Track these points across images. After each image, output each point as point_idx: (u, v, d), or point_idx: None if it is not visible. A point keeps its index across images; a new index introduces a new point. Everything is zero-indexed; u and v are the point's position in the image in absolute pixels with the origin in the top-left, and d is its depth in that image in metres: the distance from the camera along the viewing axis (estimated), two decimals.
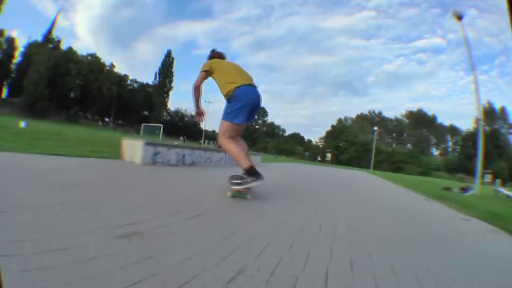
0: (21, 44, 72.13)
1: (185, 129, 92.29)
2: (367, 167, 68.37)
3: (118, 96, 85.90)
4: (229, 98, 3.76)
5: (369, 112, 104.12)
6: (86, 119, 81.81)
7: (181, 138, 59.00)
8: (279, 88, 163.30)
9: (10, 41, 69.32)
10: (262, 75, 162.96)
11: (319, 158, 76.90)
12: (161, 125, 53.96)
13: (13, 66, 69.04)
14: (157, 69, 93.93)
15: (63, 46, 77.36)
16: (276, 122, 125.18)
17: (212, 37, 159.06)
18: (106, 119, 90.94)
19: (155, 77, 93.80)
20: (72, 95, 77.14)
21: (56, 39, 74.60)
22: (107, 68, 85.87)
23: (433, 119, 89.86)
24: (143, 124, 61.17)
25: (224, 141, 3.77)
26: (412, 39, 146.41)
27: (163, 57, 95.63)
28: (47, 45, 69.74)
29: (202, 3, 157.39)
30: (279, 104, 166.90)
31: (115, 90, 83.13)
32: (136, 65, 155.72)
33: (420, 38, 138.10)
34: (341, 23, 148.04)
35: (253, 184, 3.64)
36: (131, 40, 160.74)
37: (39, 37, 70.79)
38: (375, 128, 65.20)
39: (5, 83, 70.45)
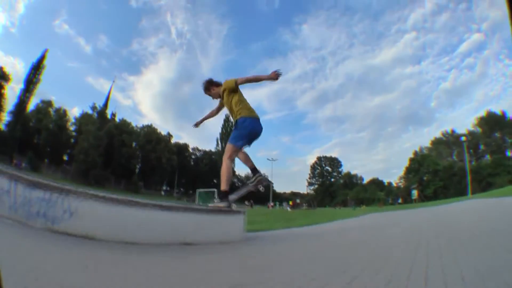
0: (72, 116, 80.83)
1: (256, 194, 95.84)
2: (457, 194, 61.72)
3: (180, 165, 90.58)
4: (246, 124, 4.96)
5: (442, 133, 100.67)
6: (147, 189, 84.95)
7: (246, 202, 56.55)
8: (351, 138, 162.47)
9: (61, 113, 77.97)
10: (332, 130, 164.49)
11: (399, 201, 72.90)
12: (215, 189, 53.79)
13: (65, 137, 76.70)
14: (218, 136, 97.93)
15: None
16: (353, 172, 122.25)
17: (275, 100, 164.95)
18: (167, 188, 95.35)
19: (217, 144, 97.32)
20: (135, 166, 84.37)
21: (109, 112, 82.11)
22: (165, 138, 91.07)
23: (502, 116, 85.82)
24: (198, 190, 62.26)
25: (228, 161, 4.98)
26: (455, 46, 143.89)
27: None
28: (94, 116, 77.53)
29: (257, 68, 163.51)
30: (354, 155, 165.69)
31: (176, 160, 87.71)
32: (206, 137, 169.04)
33: (461, 42, 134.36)
34: (390, 54, 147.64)
35: (219, 205, 4.79)
36: (198, 113, 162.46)
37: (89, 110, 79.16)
38: (462, 138, 61.42)
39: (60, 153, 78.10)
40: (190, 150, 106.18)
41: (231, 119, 5.31)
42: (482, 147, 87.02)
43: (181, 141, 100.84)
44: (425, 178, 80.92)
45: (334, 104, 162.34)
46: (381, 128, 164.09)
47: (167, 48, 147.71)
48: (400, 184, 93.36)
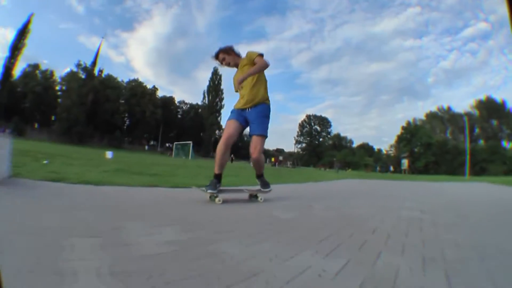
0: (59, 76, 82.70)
1: (239, 148, 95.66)
2: (447, 173, 64.45)
3: (166, 119, 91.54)
4: (263, 109, 4.47)
5: (438, 108, 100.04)
6: (130, 144, 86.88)
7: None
8: (345, 101, 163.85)
9: (47, 74, 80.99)
10: (326, 91, 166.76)
11: (391, 168, 70.36)
12: (190, 142, 54.98)
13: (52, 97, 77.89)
14: (205, 88, 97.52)
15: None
16: (343, 135, 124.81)
17: (271, 57, 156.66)
18: (154, 143, 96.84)
19: (204, 97, 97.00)
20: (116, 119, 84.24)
21: (97, 69, 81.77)
22: (150, 91, 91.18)
23: (502, 105, 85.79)
24: (175, 143, 65.16)
25: (262, 155, 4.74)
26: (459, 29, 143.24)
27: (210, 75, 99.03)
28: (78, 74, 77.55)
29: (254, 24, 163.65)
30: (346, 118, 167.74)
31: (160, 113, 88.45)
32: (199, 92, 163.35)
33: (466, 26, 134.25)
34: (392, 25, 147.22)
35: (264, 190, 4.81)
36: (191, 69, 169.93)
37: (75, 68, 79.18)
38: (465, 117, 61.66)
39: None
40: (177, 104, 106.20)
41: (220, 71, 4.46)
42: (477, 130, 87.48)
43: (175, 96, 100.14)
44: (416, 150, 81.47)
45: (329, 66, 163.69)
46: (375, 95, 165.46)
47: (162, 3, 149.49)
48: (390, 152, 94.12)
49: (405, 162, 58.79)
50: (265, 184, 4.86)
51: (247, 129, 4.57)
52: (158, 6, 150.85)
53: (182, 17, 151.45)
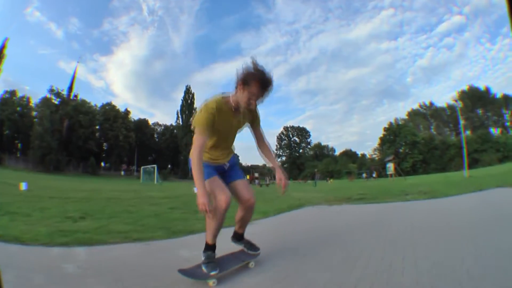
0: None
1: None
2: (438, 170, 64.40)
3: (140, 142, 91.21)
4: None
5: (420, 105, 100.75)
6: (106, 170, 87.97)
7: None
8: (325, 110, 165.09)
9: (24, 101, 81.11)
10: (305, 102, 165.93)
11: (374, 175, 65.88)
12: (155, 165, 55.28)
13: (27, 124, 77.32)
14: (178, 108, 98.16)
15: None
16: (324, 143, 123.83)
17: None
18: (132, 167, 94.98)
19: (177, 117, 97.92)
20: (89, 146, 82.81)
21: (72, 95, 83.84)
22: (122, 115, 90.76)
23: (486, 92, 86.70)
24: (142, 167, 64.39)
25: None
26: (434, 25, 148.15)
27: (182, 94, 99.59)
28: (51, 100, 78.41)
29: (229, 43, 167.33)
30: (327, 127, 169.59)
31: (133, 137, 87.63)
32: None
33: (440, 22, 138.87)
34: (366, 30, 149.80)
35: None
36: (170, 90, 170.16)
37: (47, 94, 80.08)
38: (457, 106, 61.94)
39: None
40: (151, 126, 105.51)
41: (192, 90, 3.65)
42: (462, 122, 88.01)
43: (152, 118, 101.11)
44: (401, 150, 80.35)
45: (307, 77, 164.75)
46: (355, 101, 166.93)
47: (138, 26, 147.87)
48: (374, 156, 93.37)
49: (390, 166, 56.07)
50: (253, 246, 3.93)
51: None
52: (134, 28, 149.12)
53: (158, 38, 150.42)
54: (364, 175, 70.14)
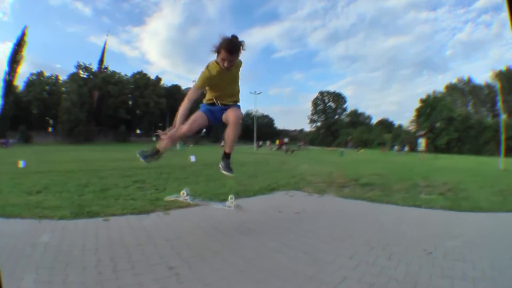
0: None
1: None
2: (472, 151, 60.38)
3: (171, 108, 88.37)
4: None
5: (458, 79, 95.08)
6: (136, 136, 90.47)
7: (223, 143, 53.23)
8: (364, 77, 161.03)
9: (52, 80, 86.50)
10: (345, 68, 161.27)
11: (405, 148, 57.69)
12: None
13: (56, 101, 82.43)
14: None
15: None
16: (368, 112, 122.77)
17: (287, 38, 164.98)
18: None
19: None
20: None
21: (102, 67, 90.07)
22: (153, 82, 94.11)
23: None
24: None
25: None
26: (472, 0, 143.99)
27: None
28: (79, 75, 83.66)
29: (266, 7, 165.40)
30: (367, 94, 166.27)
31: (164, 103, 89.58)
32: None
33: None
34: None
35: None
36: (208, 55, 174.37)
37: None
38: (497, 84, 56.74)
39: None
40: (183, 91, 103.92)
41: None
42: (500, 103, 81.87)
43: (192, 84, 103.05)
44: (437, 125, 75.28)
45: (346, 43, 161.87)
46: (394, 70, 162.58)
47: None
48: (410, 128, 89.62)
49: (422, 142, 53.09)
50: (229, 167, 4.61)
51: None
52: None
53: (191, 6, 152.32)
54: (396, 148, 65.39)
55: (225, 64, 4.02)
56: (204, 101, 4.66)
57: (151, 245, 3.92)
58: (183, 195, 5.01)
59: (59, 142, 69.03)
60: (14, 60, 77.55)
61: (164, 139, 4.29)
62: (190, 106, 4.29)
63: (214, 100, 4.51)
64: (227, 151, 4.59)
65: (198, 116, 4.45)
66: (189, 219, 5.28)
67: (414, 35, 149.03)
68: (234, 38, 4.00)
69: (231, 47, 3.92)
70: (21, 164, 15.04)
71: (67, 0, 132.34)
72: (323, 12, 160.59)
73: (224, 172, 4.54)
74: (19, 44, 78.43)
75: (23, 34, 79.24)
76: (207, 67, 4.23)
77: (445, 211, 6.32)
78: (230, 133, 4.43)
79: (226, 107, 4.49)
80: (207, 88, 4.48)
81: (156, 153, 4.49)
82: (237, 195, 6.61)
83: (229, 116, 4.31)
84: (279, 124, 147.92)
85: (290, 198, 7.63)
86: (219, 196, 6.70)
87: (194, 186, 8.27)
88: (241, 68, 4.48)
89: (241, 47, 4.02)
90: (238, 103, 4.67)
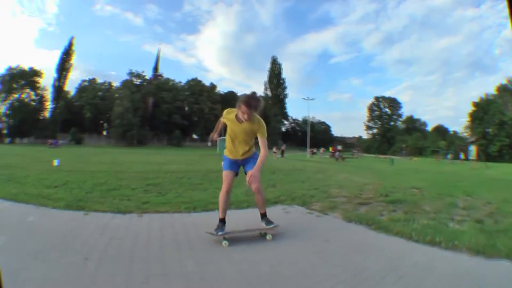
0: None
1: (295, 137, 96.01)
2: None
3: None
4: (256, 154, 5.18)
5: (508, 80, 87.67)
6: (192, 141, 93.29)
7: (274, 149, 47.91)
8: (420, 81, 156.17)
9: (106, 86, 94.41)
10: (401, 72, 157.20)
11: (460, 156, 52.20)
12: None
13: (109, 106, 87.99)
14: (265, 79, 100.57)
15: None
16: (425, 118, 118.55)
17: (342, 42, 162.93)
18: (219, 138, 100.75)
19: (265, 88, 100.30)
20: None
21: (157, 74, 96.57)
22: (208, 88, 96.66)
23: None
24: (219, 138, 66.29)
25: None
26: None
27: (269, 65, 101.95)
28: (132, 82, 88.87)
29: (318, 12, 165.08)
30: (424, 99, 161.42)
31: (219, 108, 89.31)
32: None
33: None
34: None
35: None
36: (265, 61, 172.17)
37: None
38: None
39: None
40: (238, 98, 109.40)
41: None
42: None
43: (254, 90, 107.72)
44: (490, 130, 71.17)
45: (400, 46, 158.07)
46: (448, 73, 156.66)
47: (221, 3, 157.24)
48: (465, 134, 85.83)
49: (472, 150, 49.09)
50: (269, 221, 5.05)
51: None
52: (219, 6, 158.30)
53: (245, 13, 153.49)
54: (449, 156, 60.37)
55: (244, 116, 4.62)
56: (224, 152, 5.28)
57: (92, 239, 4.49)
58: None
59: (111, 145, 73.27)
60: (63, 68, 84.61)
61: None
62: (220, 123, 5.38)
63: (228, 152, 5.16)
64: (261, 211, 5.11)
65: (225, 175, 5.02)
66: (149, 224, 5.49)
67: (463, 34, 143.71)
68: (253, 93, 4.79)
69: (249, 102, 4.55)
70: (55, 162, 16.31)
71: (116, 11, 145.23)
72: (374, 14, 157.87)
73: (268, 227, 4.97)
74: (67, 53, 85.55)
75: (70, 44, 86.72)
76: (225, 111, 5.17)
77: (470, 257, 4.24)
78: (257, 199, 5.06)
79: (242, 162, 5.13)
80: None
81: (220, 221, 4.87)
82: (231, 205, 6.05)
83: (251, 186, 4.79)
84: (337, 131, 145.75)
85: (280, 216, 6.21)
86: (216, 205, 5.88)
87: (200, 193, 8.58)
88: (261, 129, 4.90)
89: (258, 102, 4.66)
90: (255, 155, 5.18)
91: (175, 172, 14.54)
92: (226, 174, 5.03)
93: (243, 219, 5.49)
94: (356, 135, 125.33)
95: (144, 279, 3.21)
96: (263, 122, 4.96)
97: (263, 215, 5.09)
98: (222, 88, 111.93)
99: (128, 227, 5.19)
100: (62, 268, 3.46)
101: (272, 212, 5.89)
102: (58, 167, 15.32)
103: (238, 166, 5.16)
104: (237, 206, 6.82)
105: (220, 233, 4.64)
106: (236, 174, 5.15)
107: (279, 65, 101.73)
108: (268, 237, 4.78)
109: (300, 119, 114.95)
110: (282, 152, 43.96)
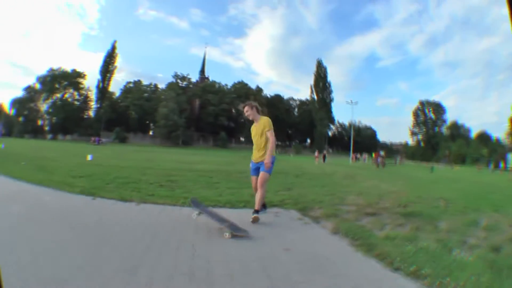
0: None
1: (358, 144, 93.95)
2: None
3: (273, 116, 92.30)
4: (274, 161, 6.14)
5: None
6: (238, 143, 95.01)
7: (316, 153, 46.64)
8: (465, 85, 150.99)
9: (151, 87, 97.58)
10: (446, 75, 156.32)
11: (501, 165, 51.71)
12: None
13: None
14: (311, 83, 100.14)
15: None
16: (470, 124, 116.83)
17: (388, 45, 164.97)
18: None
19: (311, 91, 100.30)
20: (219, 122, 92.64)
21: (205, 77, 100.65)
22: (254, 91, 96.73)
23: None
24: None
25: (265, 187, 6.09)
26: None
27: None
28: (177, 84, 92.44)
29: (362, 13, 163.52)
30: (468, 104, 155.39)
31: (266, 112, 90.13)
32: None
33: None
34: None
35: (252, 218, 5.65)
36: (313, 65, 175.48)
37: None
38: None
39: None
40: (285, 100, 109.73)
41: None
42: None
43: (299, 94, 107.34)
44: None
45: (444, 48, 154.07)
46: (491, 75, 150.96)
47: (266, 7, 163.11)
48: (506, 141, 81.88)
49: (510, 159, 46.33)
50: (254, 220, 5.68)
51: None
52: (263, 10, 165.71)
53: (290, 16, 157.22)
54: (491, 165, 55.65)
55: (249, 117, 6.27)
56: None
57: (84, 216, 5.51)
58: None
59: (156, 145, 75.54)
60: (107, 70, 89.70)
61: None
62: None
63: (251, 157, 6.29)
64: (255, 207, 5.86)
65: (251, 179, 6.33)
66: (139, 212, 6.04)
67: (502, 34, 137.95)
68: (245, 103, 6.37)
69: (245, 105, 6.31)
70: (89, 157, 17.50)
71: (160, 15, 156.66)
72: (417, 15, 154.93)
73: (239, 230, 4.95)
74: (110, 56, 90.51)
75: (113, 48, 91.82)
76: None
77: None
78: (256, 195, 5.98)
79: (258, 164, 6.12)
80: None
81: (264, 206, 6.25)
82: (229, 204, 7.08)
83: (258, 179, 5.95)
84: (384, 137, 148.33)
85: (266, 219, 6.03)
86: (218, 202, 7.27)
87: (209, 191, 8.94)
88: (266, 124, 6.06)
89: (252, 104, 6.26)
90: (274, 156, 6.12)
91: (200, 171, 15.00)
92: (251, 179, 6.30)
93: (231, 217, 5.46)
94: (403, 141, 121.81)
95: (95, 248, 3.91)
96: (267, 118, 6.15)
97: (255, 211, 5.74)
98: (270, 91, 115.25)
99: (120, 212, 5.91)
100: (50, 229, 4.62)
101: (261, 215, 5.93)
102: (91, 162, 16.40)
103: (258, 170, 6.06)
104: (233, 205, 7.10)
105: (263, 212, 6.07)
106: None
107: (325, 68, 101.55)
108: (226, 235, 4.74)
109: (347, 123, 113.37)
110: (324, 157, 42.77)
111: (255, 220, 5.56)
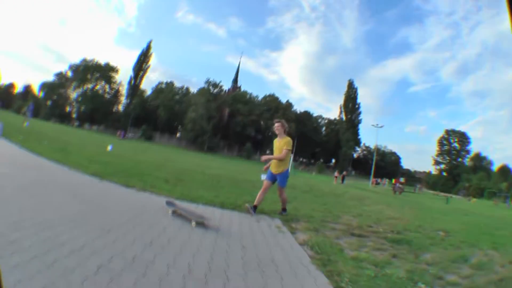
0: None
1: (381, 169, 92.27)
2: None
3: (300, 133, 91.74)
4: (288, 174, 7.52)
5: None
6: (262, 155, 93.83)
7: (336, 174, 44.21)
8: (493, 116, 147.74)
9: (183, 91, 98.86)
10: (476, 105, 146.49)
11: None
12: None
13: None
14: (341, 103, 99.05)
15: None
16: (494, 157, 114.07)
17: (420, 70, 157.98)
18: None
19: (340, 111, 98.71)
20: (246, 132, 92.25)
21: (237, 86, 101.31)
22: (283, 106, 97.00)
23: None
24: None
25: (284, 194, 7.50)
26: None
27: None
28: (208, 90, 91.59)
29: (397, 37, 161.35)
30: (494, 136, 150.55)
31: (293, 127, 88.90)
32: None
33: None
34: None
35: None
36: (344, 84, 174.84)
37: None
38: None
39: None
40: (314, 118, 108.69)
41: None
42: None
43: (329, 113, 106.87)
44: None
45: (474, 76, 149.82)
46: None
47: (303, 22, 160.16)
48: None
49: None
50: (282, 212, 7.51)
51: None
52: (301, 25, 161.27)
53: (326, 34, 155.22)
54: (509, 200, 53.04)
55: (276, 131, 7.44)
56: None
57: (89, 192, 6.56)
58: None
59: (181, 147, 76.39)
60: (140, 68, 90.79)
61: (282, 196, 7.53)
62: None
63: (270, 166, 7.43)
64: (281, 207, 7.60)
65: (264, 182, 7.39)
66: (136, 197, 6.95)
67: None
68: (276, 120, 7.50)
69: (279, 121, 7.44)
70: (109, 148, 18.60)
71: (199, 21, 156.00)
72: (450, 41, 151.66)
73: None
74: (144, 55, 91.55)
75: (148, 47, 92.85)
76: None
77: None
78: (280, 199, 7.60)
79: (276, 176, 7.27)
80: None
81: (253, 207, 7.09)
82: (220, 205, 7.39)
83: (278, 191, 7.48)
84: (408, 164, 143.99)
85: (246, 223, 6.20)
86: (206, 200, 7.85)
87: (207, 192, 9.12)
88: (287, 145, 7.11)
89: (281, 123, 7.34)
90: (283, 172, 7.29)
91: (210, 175, 15.34)
92: (265, 182, 7.34)
93: (216, 215, 6.16)
94: (426, 170, 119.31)
95: (86, 209, 4.97)
96: (289, 138, 7.25)
97: (282, 210, 7.54)
98: (301, 108, 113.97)
99: (119, 194, 6.91)
100: (54, 193, 5.90)
101: (245, 218, 6.43)
102: (110, 152, 17.42)
103: (274, 178, 7.29)
104: (223, 206, 7.46)
105: (253, 214, 6.91)
106: (273, 183, 7.31)
107: (355, 89, 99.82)
108: (192, 223, 5.25)
109: (372, 147, 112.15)
110: (343, 178, 40.49)
111: (245, 209, 7.09)
